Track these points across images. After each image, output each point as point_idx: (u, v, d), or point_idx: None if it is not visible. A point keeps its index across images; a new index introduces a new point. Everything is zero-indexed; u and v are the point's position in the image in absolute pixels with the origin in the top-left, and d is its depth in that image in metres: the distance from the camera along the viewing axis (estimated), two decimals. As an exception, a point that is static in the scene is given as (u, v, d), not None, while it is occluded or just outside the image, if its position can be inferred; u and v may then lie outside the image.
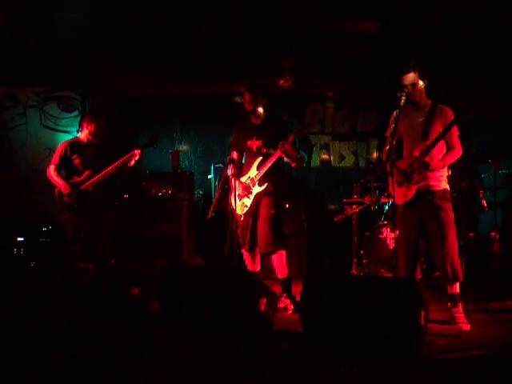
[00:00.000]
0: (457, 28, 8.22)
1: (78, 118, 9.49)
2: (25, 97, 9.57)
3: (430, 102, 5.66)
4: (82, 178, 7.19)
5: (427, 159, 5.39)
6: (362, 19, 8.39)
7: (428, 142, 5.44)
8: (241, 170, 6.58)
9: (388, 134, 5.69)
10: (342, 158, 10.30)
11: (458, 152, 5.54)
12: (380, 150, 9.87)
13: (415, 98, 5.58)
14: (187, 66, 9.32)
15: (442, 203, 5.47)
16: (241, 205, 6.37)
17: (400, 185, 5.58)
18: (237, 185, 6.38)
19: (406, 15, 8.06)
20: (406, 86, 5.54)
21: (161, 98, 9.85)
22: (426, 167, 5.39)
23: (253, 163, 6.35)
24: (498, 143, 9.17)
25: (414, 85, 5.54)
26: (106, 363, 4.18)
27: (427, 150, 5.43)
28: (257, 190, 6.28)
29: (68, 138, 8.17)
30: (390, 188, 5.48)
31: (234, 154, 6.66)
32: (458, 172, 7.28)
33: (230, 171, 6.42)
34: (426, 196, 5.49)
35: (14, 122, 9.55)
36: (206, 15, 8.27)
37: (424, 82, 5.59)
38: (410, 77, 5.54)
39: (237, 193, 6.39)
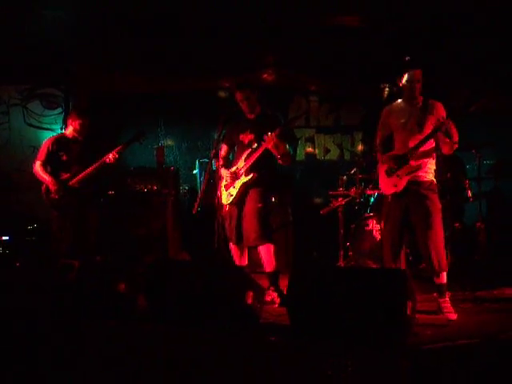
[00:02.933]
0: (443, 22, 8.23)
1: (62, 116, 9.47)
2: (7, 95, 9.53)
3: (422, 97, 5.69)
4: (69, 174, 7.15)
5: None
6: (344, 12, 8.38)
7: (424, 134, 5.51)
8: (228, 163, 6.60)
9: (379, 128, 5.75)
10: (326, 151, 10.32)
11: (456, 145, 5.58)
12: (365, 142, 9.89)
13: (416, 94, 5.62)
14: (171, 62, 9.29)
15: (428, 193, 5.51)
16: (227, 195, 6.37)
17: (390, 174, 5.61)
18: (224, 174, 6.40)
19: (389, 8, 8.06)
20: (414, 82, 5.56)
21: (145, 94, 9.84)
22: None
23: (242, 155, 6.37)
24: (482, 134, 9.19)
25: (419, 81, 5.58)
26: (93, 360, 4.17)
27: (424, 141, 5.50)
28: (243, 179, 6.27)
29: (52, 135, 8.09)
30: (377, 177, 5.52)
31: (223, 148, 6.66)
32: (443, 163, 7.30)
33: (215, 165, 6.42)
34: (413, 186, 5.53)
35: (-3, 121, 9.50)
36: (188, 11, 8.24)
37: (421, 80, 5.64)
38: (418, 73, 5.58)
39: (224, 183, 6.41)
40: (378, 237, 7.21)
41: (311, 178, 10.15)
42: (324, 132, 10.34)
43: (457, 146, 5.54)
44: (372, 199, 8.09)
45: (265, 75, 9.75)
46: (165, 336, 4.80)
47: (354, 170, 8.13)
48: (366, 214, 7.94)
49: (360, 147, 10.21)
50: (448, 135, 5.41)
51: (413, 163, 5.52)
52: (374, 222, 7.63)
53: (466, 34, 8.29)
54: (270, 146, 6.06)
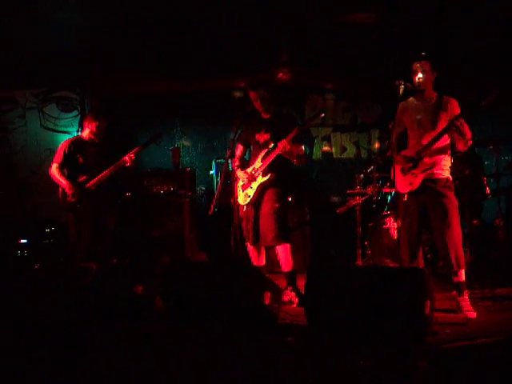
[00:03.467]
0: (457, 18, 8.17)
1: (78, 118, 9.50)
2: (23, 99, 9.57)
3: (436, 94, 5.66)
4: (86, 176, 7.15)
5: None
6: (360, 9, 8.33)
7: (437, 131, 5.47)
8: (244, 163, 6.60)
9: (391, 126, 5.70)
10: (343, 149, 10.27)
11: (470, 142, 5.53)
12: (382, 140, 9.83)
13: (423, 85, 5.58)
14: (186, 62, 9.28)
15: (445, 191, 5.47)
16: (244, 195, 6.37)
17: (405, 172, 5.58)
18: (241, 175, 6.40)
19: (405, 5, 8.01)
20: (415, 74, 5.55)
21: (160, 95, 9.84)
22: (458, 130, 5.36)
23: (259, 155, 6.36)
24: (500, 130, 9.13)
25: (425, 72, 5.55)
26: (110, 362, 4.17)
27: (437, 138, 5.47)
28: (260, 180, 6.26)
29: (68, 138, 8.10)
30: (393, 176, 5.50)
31: (239, 149, 6.66)
32: (461, 160, 7.26)
33: (231, 165, 6.42)
34: (429, 184, 5.50)
35: (14, 125, 9.55)
36: (203, 11, 8.23)
37: (433, 74, 5.61)
38: (423, 64, 5.55)
39: (240, 183, 6.40)
40: (396, 235, 7.18)
41: (328, 177, 10.11)
42: (340, 130, 10.30)
43: (471, 142, 5.50)
44: (389, 197, 8.05)
45: (280, 74, 9.72)
46: (182, 337, 4.80)
47: (371, 168, 8.08)
48: (384, 213, 7.90)
49: (377, 145, 10.15)
50: (460, 133, 5.37)
51: (427, 160, 5.49)
52: (392, 220, 7.59)
53: (478, 28, 8.23)
54: (282, 152, 6.06)
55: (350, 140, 10.27)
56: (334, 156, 10.29)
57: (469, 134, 5.40)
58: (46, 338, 4.80)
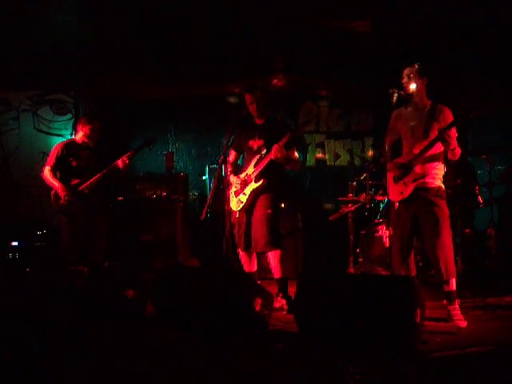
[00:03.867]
0: (452, 25, 8.20)
1: (72, 121, 9.49)
2: (17, 101, 9.55)
3: (430, 102, 5.67)
4: (78, 180, 7.13)
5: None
6: (355, 18, 8.35)
7: (428, 141, 5.45)
8: (237, 169, 6.60)
9: (387, 133, 5.72)
10: (337, 156, 10.29)
11: (457, 152, 5.53)
12: (376, 148, 9.86)
13: (416, 93, 5.59)
14: (180, 67, 9.28)
15: (436, 200, 5.47)
16: (237, 201, 6.36)
17: (397, 181, 5.59)
18: (234, 181, 6.40)
19: (399, 14, 8.03)
20: (406, 79, 5.57)
21: (154, 100, 9.86)
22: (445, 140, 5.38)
23: (251, 161, 6.36)
24: (493, 140, 9.16)
25: (416, 78, 5.57)
26: (101, 366, 4.16)
27: (427, 148, 5.46)
28: (253, 186, 6.26)
29: (61, 140, 8.09)
30: (386, 184, 5.52)
31: (232, 154, 6.66)
32: (454, 169, 7.27)
33: (224, 171, 6.42)
34: (421, 193, 5.49)
35: (7, 127, 9.52)
36: (198, 16, 8.23)
37: (424, 80, 5.61)
38: (410, 70, 5.57)
39: (233, 189, 6.40)
40: (388, 243, 7.17)
41: (321, 184, 10.14)
42: (334, 137, 10.33)
43: (458, 151, 5.50)
44: (382, 205, 8.06)
45: (275, 80, 9.75)
46: (172, 342, 4.79)
47: (364, 175, 8.09)
48: (376, 220, 7.90)
49: (370, 153, 10.19)
50: (446, 143, 5.39)
51: (418, 170, 5.49)
52: (384, 228, 7.59)
53: (469, 40, 8.27)
54: (275, 158, 6.06)
55: (343, 147, 10.29)
56: (328, 163, 10.31)
57: (452, 144, 5.40)
58: (37, 340, 4.79)
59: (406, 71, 5.60)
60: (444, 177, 5.67)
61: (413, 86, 5.57)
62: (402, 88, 5.59)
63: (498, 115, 9.25)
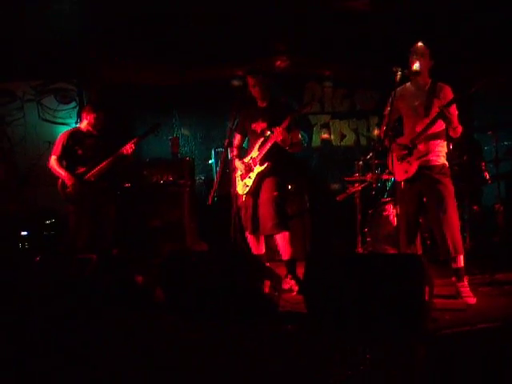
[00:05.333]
0: (453, 2, 8.16)
1: (76, 110, 9.49)
2: (21, 91, 9.55)
3: (431, 80, 5.65)
4: (85, 168, 7.14)
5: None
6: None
7: (430, 118, 5.44)
8: (242, 153, 6.59)
9: (386, 112, 5.67)
10: (342, 136, 10.27)
11: (459, 130, 5.51)
12: (379, 127, 9.85)
13: (420, 70, 5.56)
14: (183, 51, 9.27)
15: (440, 177, 5.46)
16: (242, 185, 6.37)
17: (401, 160, 5.57)
18: (239, 165, 6.39)
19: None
20: (415, 55, 5.54)
21: (158, 85, 9.83)
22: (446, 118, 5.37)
23: (255, 144, 6.35)
24: (498, 116, 9.12)
25: (424, 56, 5.54)
26: (110, 353, 4.18)
27: (428, 126, 5.45)
28: (258, 169, 6.26)
29: (66, 129, 8.09)
30: (390, 165, 5.50)
31: (237, 138, 6.64)
32: (460, 145, 7.24)
33: (229, 154, 6.41)
34: (425, 171, 5.49)
35: (12, 117, 9.54)
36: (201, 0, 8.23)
37: (430, 61, 5.59)
38: (422, 48, 5.55)
39: (239, 173, 6.40)
40: (395, 222, 7.17)
41: (327, 165, 10.13)
42: (339, 117, 10.31)
43: (460, 129, 5.48)
44: (389, 184, 8.05)
45: (278, 62, 9.72)
46: (182, 327, 4.81)
47: (370, 155, 8.05)
48: (383, 200, 7.89)
49: (376, 132, 10.16)
50: (448, 121, 5.37)
51: (421, 148, 5.49)
52: (391, 207, 7.57)
53: (470, 14, 8.23)
54: (277, 140, 6.05)
55: (349, 127, 10.28)
56: (333, 143, 10.30)
57: (455, 122, 5.39)
58: (47, 328, 4.82)
59: (419, 49, 5.56)
60: (448, 154, 5.66)
61: (417, 65, 5.55)
62: (406, 66, 5.57)
63: (503, 91, 9.19)
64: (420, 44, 5.58)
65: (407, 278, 4.40)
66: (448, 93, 5.53)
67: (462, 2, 8.04)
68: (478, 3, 7.98)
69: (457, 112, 5.45)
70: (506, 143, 8.30)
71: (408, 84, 5.77)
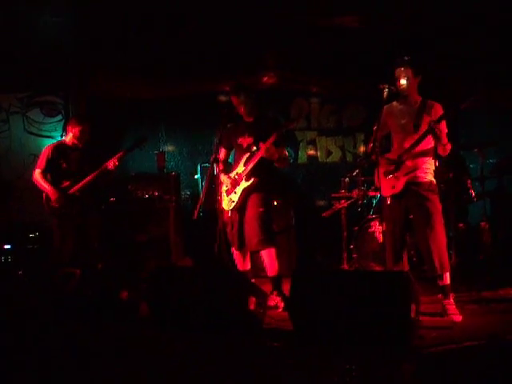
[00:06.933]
0: (441, 20, 8.20)
1: (62, 123, 9.41)
2: (7, 103, 9.46)
3: (421, 98, 5.67)
4: (69, 182, 7.10)
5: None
6: (344, 13, 8.36)
7: (418, 135, 5.45)
8: (228, 167, 6.56)
9: (374, 128, 5.67)
10: (328, 153, 10.29)
11: (448, 147, 5.52)
12: (367, 143, 9.85)
13: (407, 91, 5.58)
14: (171, 66, 9.27)
15: (428, 194, 5.47)
16: (228, 200, 6.33)
17: (388, 175, 5.58)
18: (225, 179, 6.35)
19: (389, 8, 8.03)
20: (398, 80, 5.55)
21: (145, 99, 9.80)
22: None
23: (241, 159, 6.33)
24: (485, 133, 9.16)
25: (408, 78, 5.55)
26: (95, 367, 4.14)
27: (417, 142, 5.46)
28: (244, 185, 6.23)
29: (52, 142, 8.04)
30: (376, 180, 5.50)
31: (222, 152, 6.60)
32: (445, 163, 7.26)
33: (215, 169, 6.38)
34: (413, 187, 5.49)
35: (-3, 129, 9.47)
36: (189, 15, 8.22)
37: (416, 79, 5.61)
38: (405, 70, 5.54)
39: (224, 188, 6.36)
40: (381, 239, 7.17)
41: (313, 181, 10.14)
42: (326, 134, 10.34)
43: (449, 146, 5.50)
44: (374, 201, 8.06)
45: (265, 78, 9.73)
46: (167, 342, 4.77)
47: (357, 171, 8.08)
48: (369, 216, 7.90)
49: (362, 149, 10.20)
50: (437, 138, 5.39)
51: (409, 164, 5.50)
52: (377, 223, 7.58)
53: (459, 32, 8.28)
54: (263, 155, 6.03)
55: (335, 144, 10.30)
56: (320, 160, 10.32)
57: (444, 139, 5.41)
58: (31, 342, 4.77)
59: (403, 72, 5.57)
60: (436, 171, 5.66)
61: (403, 82, 5.56)
62: (393, 83, 5.58)
63: (490, 109, 9.24)
64: (400, 68, 5.58)
65: (394, 295, 4.39)
66: (439, 110, 5.54)
67: (448, 20, 8.08)
68: (465, 20, 8.03)
69: (446, 130, 5.46)
70: (491, 161, 8.34)
71: (396, 102, 5.77)
